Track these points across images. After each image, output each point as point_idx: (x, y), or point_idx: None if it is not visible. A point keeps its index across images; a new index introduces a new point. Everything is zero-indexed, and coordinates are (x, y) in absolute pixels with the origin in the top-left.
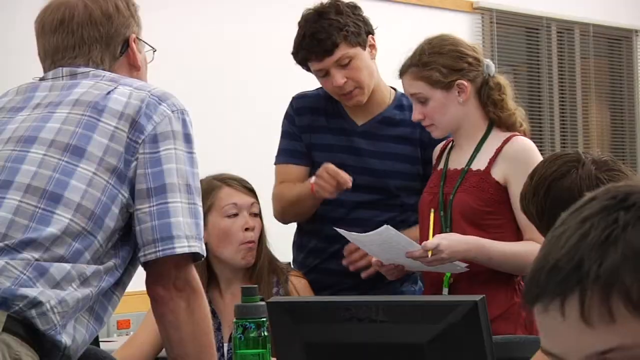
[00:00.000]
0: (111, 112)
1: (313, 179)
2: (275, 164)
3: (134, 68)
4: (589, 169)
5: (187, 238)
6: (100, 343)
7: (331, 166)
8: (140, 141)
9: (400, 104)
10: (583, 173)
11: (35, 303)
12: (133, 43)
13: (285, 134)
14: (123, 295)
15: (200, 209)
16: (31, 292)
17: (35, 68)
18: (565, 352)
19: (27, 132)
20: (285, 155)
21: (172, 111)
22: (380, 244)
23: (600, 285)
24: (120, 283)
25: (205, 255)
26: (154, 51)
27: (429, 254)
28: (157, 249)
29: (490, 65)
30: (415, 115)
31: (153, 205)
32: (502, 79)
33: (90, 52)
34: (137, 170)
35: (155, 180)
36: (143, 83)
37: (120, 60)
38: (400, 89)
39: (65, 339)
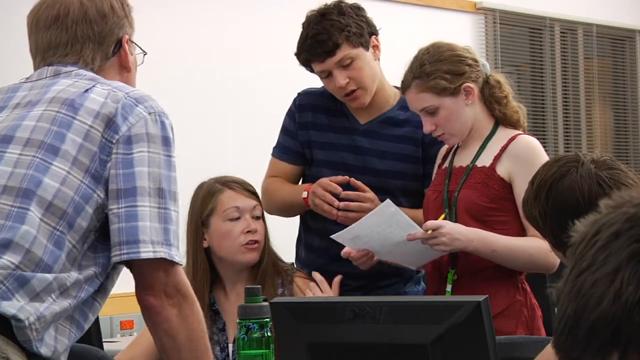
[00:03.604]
0: (87, 111)
1: (304, 193)
2: (271, 154)
3: (125, 69)
4: (589, 167)
5: (153, 243)
6: (104, 343)
7: (325, 180)
8: (114, 141)
9: (404, 104)
10: (583, 172)
11: (16, 319)
12: (126, 44)
13: (283, 129)
14: (126, 296)
15: (173, 214)
16: (10, 308)
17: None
18: None
19: (3, 131)
20: (279, 149)
21: (149, 113)
22: (378, 228)
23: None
24: (102, 289)
25: (179, 262)
26: (145, 54)
27: (430, 232)
28: (122, 251)
29: (485, 64)
30: (427, 127)
31: (121, 207)
32: (500, 76)
33: (82, 51)
34: (110, 170)
35: (125, 182)
36: (122, 84)
37: (112, 60)
38: None
39: (44, 350)
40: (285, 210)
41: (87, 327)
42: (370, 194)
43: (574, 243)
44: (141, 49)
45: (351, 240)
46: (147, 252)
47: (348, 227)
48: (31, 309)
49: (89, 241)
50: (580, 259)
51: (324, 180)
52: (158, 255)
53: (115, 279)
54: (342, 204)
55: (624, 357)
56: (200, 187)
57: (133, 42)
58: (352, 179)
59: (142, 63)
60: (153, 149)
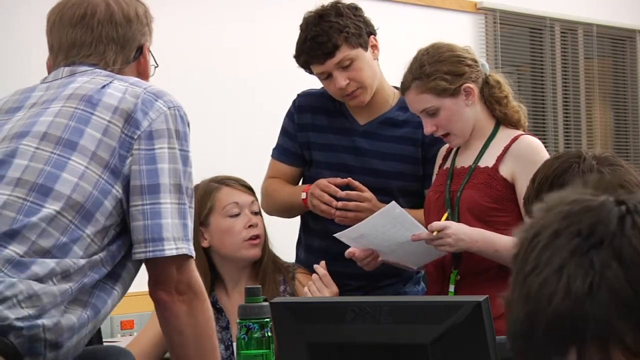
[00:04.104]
0: (105, 106)
1: (303, 194)
2: (271, 156)
3: (143, 76)
4: (590, 163)
5: (175, 240)
6: (104, 343)
7: (322, 181)
8: (136, 137)
9: (404, 105)
10: (585, 167)
11: (1, 298)
12: (146, 51)
13: (282, 131)
14: (126, 296)
15: (189, 209)
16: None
17: (35, 70)
18: None
19: (21, 128)
20: (278, 151)
21: (169, 107)
22: (382, 229)
23: (596, 340)
24: (119, 279)
25: (193, 255)
26: (156, 67)
27: (435, 234)
28: (148, 249)
29: (485, 64)
30: (428, 128)
31: (146, 204)
32: (499, 76)
33: (105, 52)
34: (132, 166)
35: (149, 178)
36: (139, 80)
37: (131, 65)
38: None
39: (45, 321)
40: (285, 211)
41: (103, 311)
42: (368, 194)
43: (515, 253)
44: (155, 61)
45: (354, 239)
46: (170, 249)
47: (352, 227)
48: (23, 287)
49: (110, 236)
50: (523, 264)
51: (322, 182)
52: (180, 252)
53: (133, 269)
54: (340, 203)
55: (582, 350)
56: (196, 188)
57: (150, 52)
58: (351, 179)
59: (153, 75)
60: (172, 144)
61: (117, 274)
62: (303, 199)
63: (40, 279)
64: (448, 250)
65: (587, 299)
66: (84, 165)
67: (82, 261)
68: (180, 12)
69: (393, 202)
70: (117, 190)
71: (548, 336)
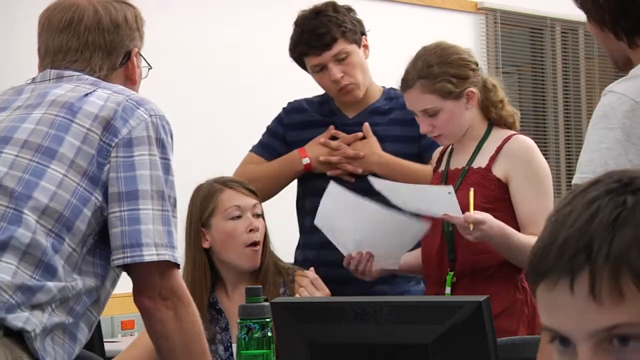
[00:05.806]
0: (85, 114)
1: (306, 159)
2: (250, 150)
3: (130, 81)
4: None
5: (156, 246)
6: (105, 343)
7: (328, 142)
8: (113, 144)
9: (389, 96)
10: None
11: (25, 331)
12: (134, 57)
13: (268, 130)
14: (127, 296)
15: (172, 217)
16: (17, 322)
17: (36, 70)
18: (570, 329)
19: (2, 133)
20: (261, 147)
21: (150, 115)
22: (418, 197)
23: (610, 263)
24: (97, 300)
25: (179, 263)
26: (150, 69)
27: (471, 226)
28: (126, 255)
29: (481, 67)
30: (424, 128)
31: (124, 210)
32: (494, 79)
33: (92, 59)
34: (110, 173)
35: (127, 185)
36: (123, 87)
37: (118, 71)
38: (390, 86)
39: (48, 359)
40: (273, 183)
41: (82, 338)
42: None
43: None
44: (147, 63)
45: (384, 188)
46: (150, 255)
47: (386, 181)
48: (36, 320)
49: (88, 244)
50: (560, 203)
51: (329, 142)
52: (162, 257)
53: (109, 287)
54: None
55: (594, 273)
56: (199, 188)
57: (141, 55)
58: (366, 125)
59: (147, 77)
60: (153, 151)
61: (98, 295)
62: (306, 165)
63: (41, 305)
64: (469, 239)
65: (612, 225)
66: (62, 174)
67: (80, 283)
68: (180, 12)
69: (450, 186)
70: (97, 198)
71: (563, 248)
